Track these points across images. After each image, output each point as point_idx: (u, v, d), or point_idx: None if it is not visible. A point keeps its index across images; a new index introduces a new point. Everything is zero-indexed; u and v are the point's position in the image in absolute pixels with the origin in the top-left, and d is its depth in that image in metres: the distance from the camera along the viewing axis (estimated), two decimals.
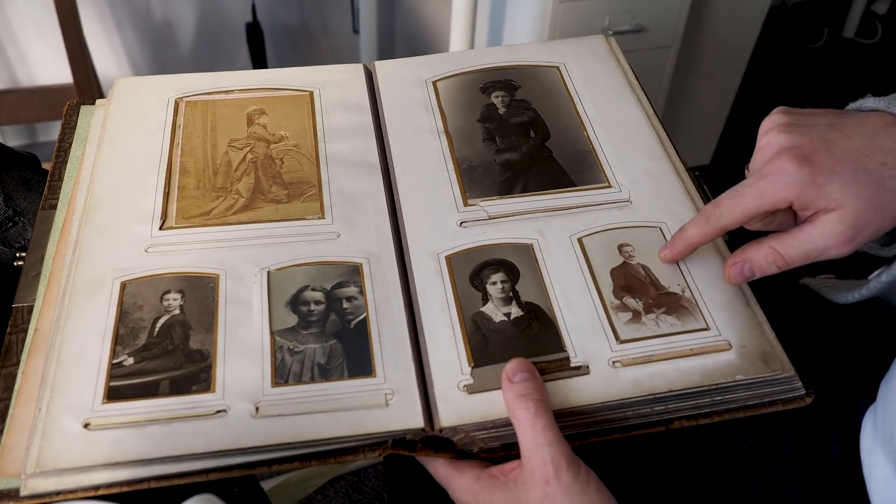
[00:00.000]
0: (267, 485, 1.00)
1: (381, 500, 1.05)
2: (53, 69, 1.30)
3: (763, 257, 0.45)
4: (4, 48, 1.29)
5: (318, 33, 1.47)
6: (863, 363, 0.55)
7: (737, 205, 0.44)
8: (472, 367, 0.44)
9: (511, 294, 0.47)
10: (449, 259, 0.49)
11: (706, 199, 0.56)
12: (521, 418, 0.40)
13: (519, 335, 0.46)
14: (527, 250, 0.50)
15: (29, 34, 1.29)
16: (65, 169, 0.56)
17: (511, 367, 0.43)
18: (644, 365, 0.44)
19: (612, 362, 0.44)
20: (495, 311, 0.47)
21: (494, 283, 0.48)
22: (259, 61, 1.36)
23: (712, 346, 0.45)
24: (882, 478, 0.45)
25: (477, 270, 0.49)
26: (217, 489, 0.42)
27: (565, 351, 0.45)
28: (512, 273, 0.49)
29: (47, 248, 0.51)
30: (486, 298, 0.47)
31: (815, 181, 0.41)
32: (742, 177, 0.53)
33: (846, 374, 0.55)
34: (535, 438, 0.40)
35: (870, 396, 0.52)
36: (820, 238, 0.42)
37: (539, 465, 0.39)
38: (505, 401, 0.42)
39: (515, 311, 0.47)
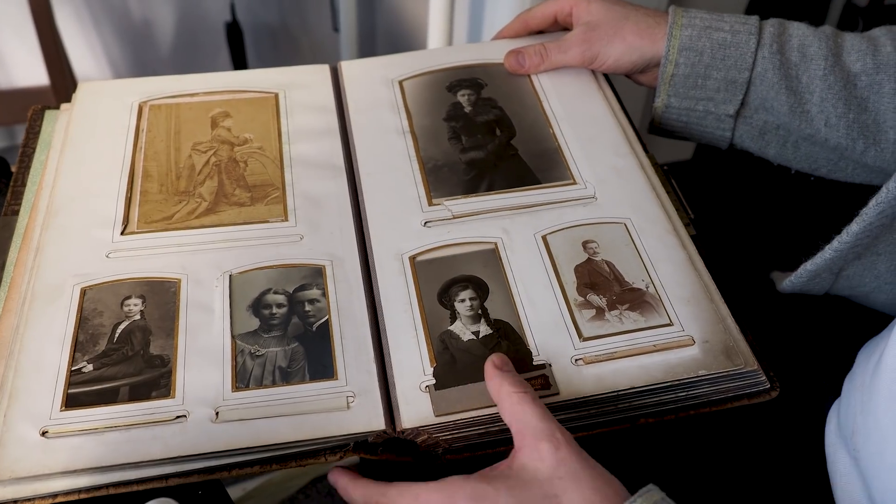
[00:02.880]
0: (249, 485, 0.99)
1: None
2: (31, 71, 1.29)
3: (532, 48, 0.61)
4: None
5: (299, 32, 1.46)
6: (829, 358, 0.55)
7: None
8: (438, 389, 0.43)
9: (480, 312, 0.46)
10: (413, 260, 0.49)
11: (675, 194, 0.56)
12: (522, 400, 0.40)
13: (488, 354, 0.44)
14: (496, 265, 0.48)
15: (5, 36, 1.27)
16: (28, 174, 0.56)
17: (499, 358, 0.43)
18: (607, 362, 0.44)
19: (574, 360, 0.44)
20: (463, 330, 0.46)
21: (463, 301, 0.47)
22: (239, 61, 1.35)
23: (675, 342, 0.45)
24: (844, 472, 0.45)
25: (445, 288, 0.47)
26: (179, 492, 0.42)
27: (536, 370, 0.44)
28: (481, 290, 0.47)
29: (9, 254, 0.50)
30: (454, 317, 0.46)
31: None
32: (725, 174, 0.53)
33: (813, 369, 0.55)
34: (543, 415, 0.39)
35: (836, 391, 0.52)
36: (568, 38, 0.60)
37: (548, 434, 0.38)
38: (498, 391, 0.41)
39: (484, 330, 0.46)
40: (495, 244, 0.50)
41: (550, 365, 0.44)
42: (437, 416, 0.42)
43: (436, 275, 0.48)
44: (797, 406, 0.53)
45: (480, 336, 0.45)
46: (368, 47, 1.42)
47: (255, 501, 0.98)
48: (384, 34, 1.41)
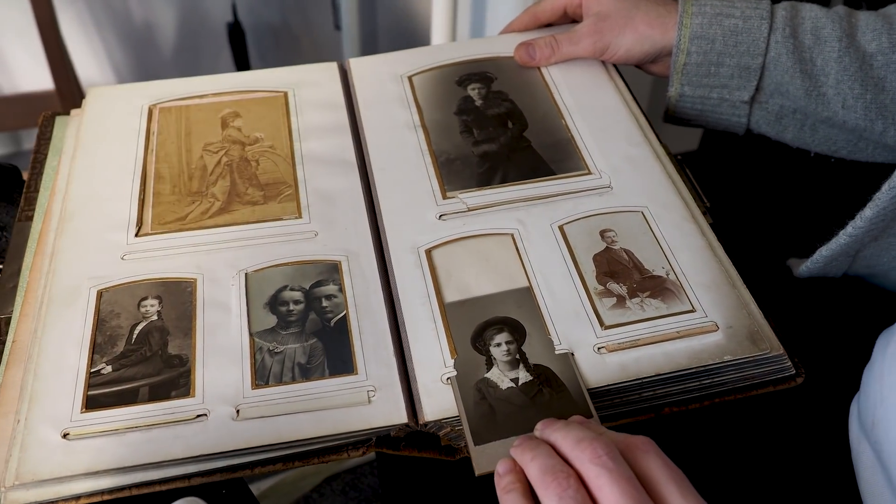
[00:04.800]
0: (263, 484, 0.99)
1: (378, 497, 1.04)
2: (35, 76, 1.30)
3: (543, 40, 0.61)
4: None
5: (300, 31, 1.46)
6: (853, 347, 0.54)
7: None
8: (477, 444, 0.40)
9: (518, 356, 0.44)
10: (429, 253, 0.49)
11: (689, 183, 0.55)
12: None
13: (529, 403, 0.41)
14: (531, 305, 0.46)
15: (9, 41, 1.28)
16: (41, 180, 0.56)
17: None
18: (630, 350, 0.44)
19: (597, 348, 0.44)
20: (501, 377, 0.43)
21: (499, 345, 0.44)
22: (241, 61, 1.35)
23: (699, 328, 0.45)
24: (868, 465, 0.44)
25: (479, 331, 0.45)
26: (203, 492, 0.41)
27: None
28: (517, 332, 0.44)
29: (24, 259, 0.50)
30: (490, 363, 0.43)
31: None
32: (730, 163, 0.52)
33: (836, 358, 0.54)
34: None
35: (859, 382, 0.51)
36: (579, 29, 0.60)
37: None
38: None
39: (524, 376, 0.43)
40: (512, 235, 0.49)
41: (573, 354, 0.44)
42: (478, 474, 0.39)
43: (468, 317, 0.45)
44: (821, 396, 0.52)
45: (520, 383, 0.42)
46: (370, 45, 1.41)
47: (270, 501, 0.98)
48: (386, 32, 1.40)
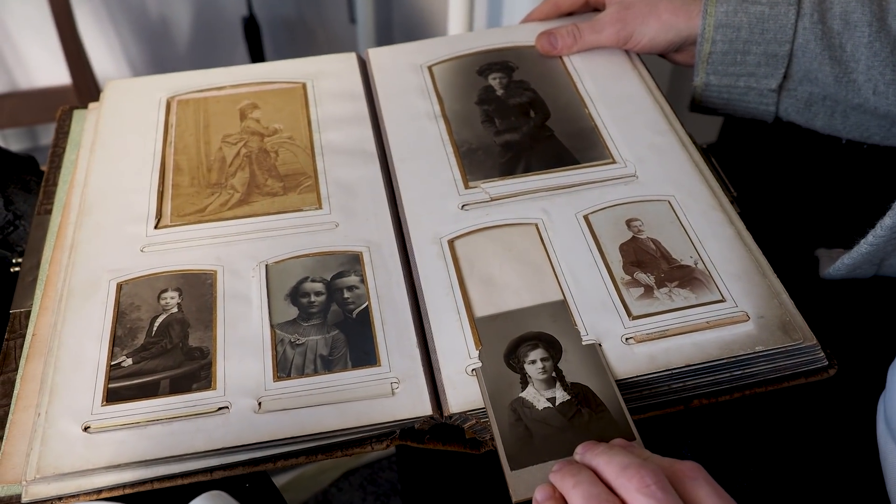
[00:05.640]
0: (282, 479, 0.99)
1: (396, 492, 1.04)
2: (52, 71, 1.30)
3: (564, 29, 0.60)
4: (2, 51, 1.29)
5: (315, 25, 1.46)
6: (883, 340, 0.53)
7: None
8: (514, 469, 0.38)
9: (554, 374, 0.42)
10: (452, 243, 0.48)
11: (716, 172, 0.54)
12: None
13: (567, 425, 0.39)
14: (567, 319, 0.44)
15: (26, 37, 1.28)
16: (59, 173, 0.55)
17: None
18: (659, 340, 0.43)
19: (625, 339, 0.43)
20: (537, 397, 0.40)
21: (534, 362, 0.42)
22: (257, 55, 1.35)
23: (729, 318, 0.44)
24: None
25: (512, 348, 0.42)
26: (227, 485, 0.41)
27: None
28: (553, 348, 0.42)
29: (43, 253, 0.50)
30: (525, 381, 0.41)
31: None
32: (751, 154, 0.51)
33: (865, 351, 0.53)
34: None
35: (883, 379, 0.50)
36: (601, 18, 0.59)
37: None
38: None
39: (561, 396, 0.40)
40: (536, 225, 0.48)
41: (601, 345, 0.43)
42: (515, 501, 0.37)
43: (500, 333, 0.43)
44: (849, 392, 0.51)
45: (557, 403, 0.40)
46: (386, 38, 1.41)
47: (289, 495, 0.98)
48: (401, 25, 1.40)
